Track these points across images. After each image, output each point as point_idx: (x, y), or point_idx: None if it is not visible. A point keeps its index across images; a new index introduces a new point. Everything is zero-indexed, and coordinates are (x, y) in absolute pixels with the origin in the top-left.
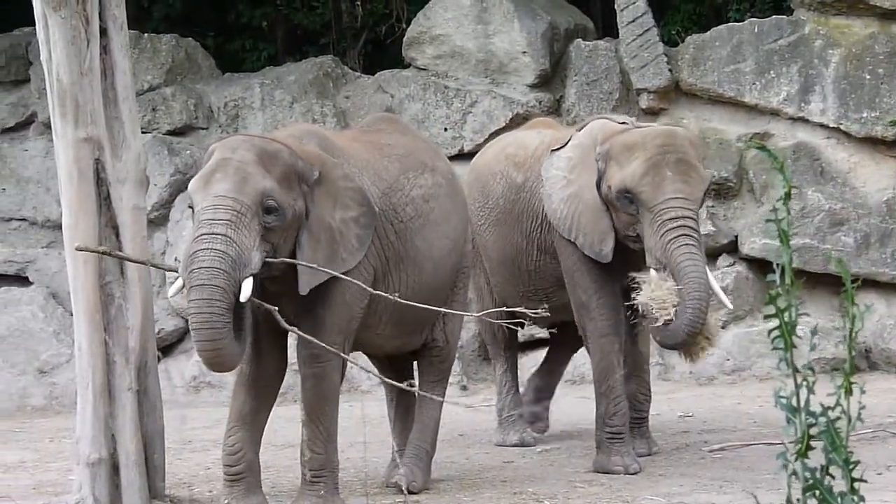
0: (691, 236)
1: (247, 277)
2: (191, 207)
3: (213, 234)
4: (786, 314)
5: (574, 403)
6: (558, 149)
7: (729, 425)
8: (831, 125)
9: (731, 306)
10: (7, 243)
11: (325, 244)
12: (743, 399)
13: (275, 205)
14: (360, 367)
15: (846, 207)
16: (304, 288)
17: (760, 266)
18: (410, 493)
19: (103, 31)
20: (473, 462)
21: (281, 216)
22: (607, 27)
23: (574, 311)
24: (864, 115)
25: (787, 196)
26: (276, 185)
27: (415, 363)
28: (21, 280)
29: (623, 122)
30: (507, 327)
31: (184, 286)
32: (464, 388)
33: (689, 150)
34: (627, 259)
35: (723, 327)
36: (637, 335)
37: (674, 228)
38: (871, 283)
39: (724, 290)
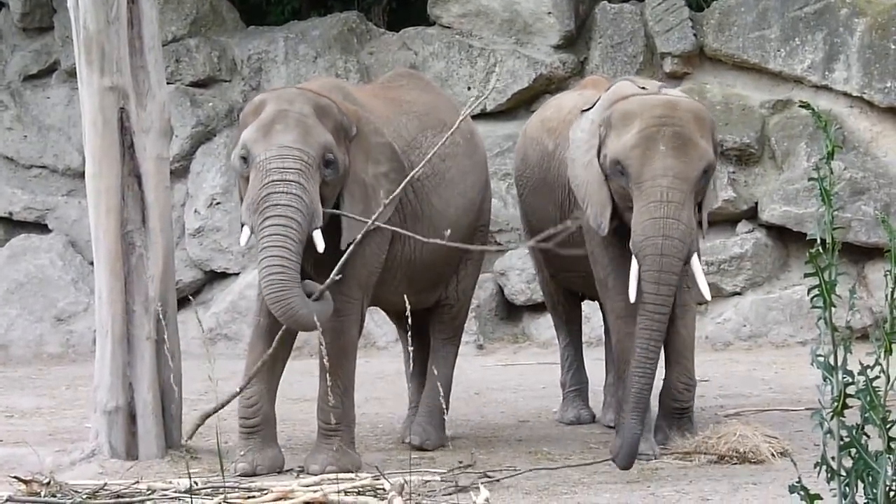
0: (669, 239)
1: (316, 229)
2: (243, 159)
3: (286, 180)
4: (825, 273)
5: (589, 365)
6: (587, 109)
7: (744, 391)
8: (854, 94)
9: (709, 298)
10: (27, 190)
11: (359, 199)
12: (758, 365)
13: (333, 158)
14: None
15: (867, 177)
16: (344, 243)
17: (780, 233)
18: (424, 450)
19: None
20: (489, 421)
21: (336, 170)
22: None
23: (597, 288)
24: (888, 84)
25: (831, 155)
26: (332, 139)
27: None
28: (40, 227)
29: (643, 87)
30: (567, 300)
31: (252, 233)
32: (480, 347)
33: (690, 124)
34: None
35: (739, 293)
36: (678, 317)
37: (656, 220)
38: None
39: (743, 256)
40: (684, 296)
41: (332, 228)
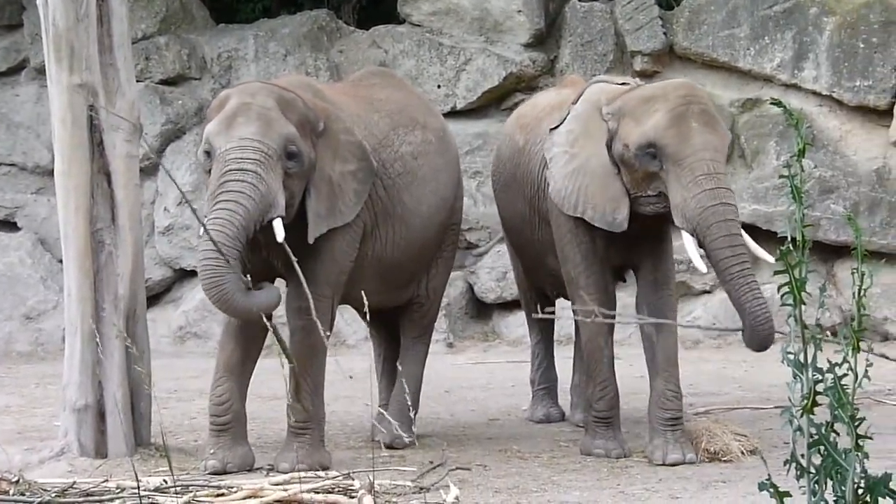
0: (728, 204)
1: (274, 218)
2: (207, 153)
3: (242, 169)
4: (796, 270)
5: (558, 364)
6: (556, 126)
7: (714, 389)
8: (824, 93)
9: (771, 259)
10: None
11: (325, 196)
12: (728, 363)
13: (296, 150)
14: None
15: (836, 175)
16: (311, 237)
17: (749, 231)
18: (394, 448)
19: None
20: (458, 419)
21: (300, 162)
22: None
23: (566, 286)
24: (857, 83)
25: (802, 153)
26: (296, 131)
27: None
28: (9, 226)
29: (624, 83)
30: (540, 297)
31: None
32: (450, 345)
33: (710, 104)
34: (624, 235)
35: (709, 291)
36: (665, 327)
37: (710, 191)
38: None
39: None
40: (665, 309)
41: (301, 224)
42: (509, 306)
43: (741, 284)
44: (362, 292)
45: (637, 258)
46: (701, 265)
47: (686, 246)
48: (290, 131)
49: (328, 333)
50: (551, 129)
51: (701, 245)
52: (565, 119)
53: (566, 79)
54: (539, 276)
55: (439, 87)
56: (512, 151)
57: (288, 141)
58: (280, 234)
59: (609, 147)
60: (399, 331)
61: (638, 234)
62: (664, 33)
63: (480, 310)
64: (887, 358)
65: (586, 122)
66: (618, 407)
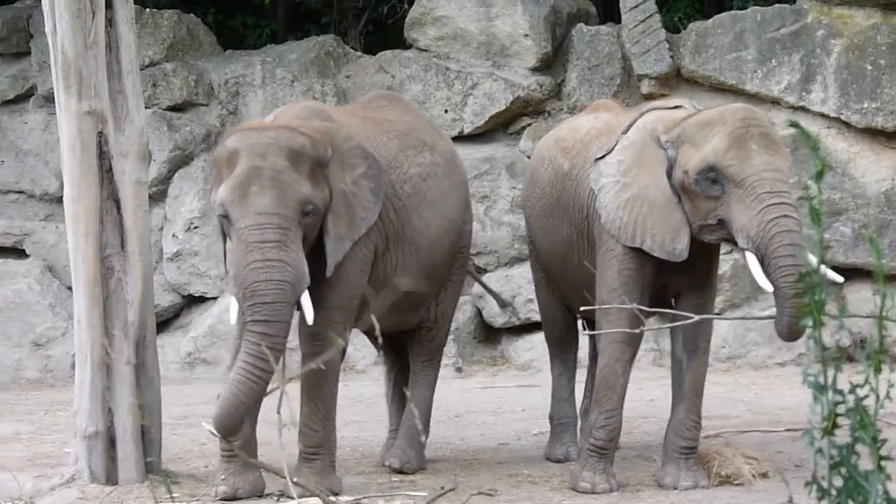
0: (791, 217)
1: (303, 291)
2: (224, 217)
3: (267, 260)
4: (815, 292)
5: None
6: (603, 156)
7: (724, 412)
8: (832, 115)
9: (840, 279)
10: (5, 216)
11: (343, 213)
12: (737, 387)
13: (312, 207)
14: None
15: (845, 198)
16: (330, 269)
17: None
18: (405, 473)
19: (108, 4)
20: (469, 444)
21: (316, 211)
22: (609, 12)
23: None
24: (865, 105)
25: (820, 175)
26: (310, 185)
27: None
28: (18, 252)
29: (677, 107)
30: (565, 327)
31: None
32: (459, 370)
33: (770, 126)
34: (665, 269)
35: (718, 313)
36: (696, 355)
37: (773, 206)
38: (866, 274)
39: (721, 277)
40: (699, 337)
41: (320, 252)
42: (518, 331)
43: (792, 287)
44: (384, 317)
45: (682, 285)
46: (767, 285)
47: (750, 266)
48: (304, 193)
49: (341, 358)
50: (597, 159)
51: (762, 261)
52: (613, 149)
53: (597, 103)
54: (580, 303)
55: (446, 111)
56: (554, 176)
57: (303, 203)
58: (309, 314)
59: (669, 176)
60: (407, 355)
61: (688, 261)
62: (671, 56)
63: (489, 334)
64: None
65: (641, 151)
66: (617, 440)
